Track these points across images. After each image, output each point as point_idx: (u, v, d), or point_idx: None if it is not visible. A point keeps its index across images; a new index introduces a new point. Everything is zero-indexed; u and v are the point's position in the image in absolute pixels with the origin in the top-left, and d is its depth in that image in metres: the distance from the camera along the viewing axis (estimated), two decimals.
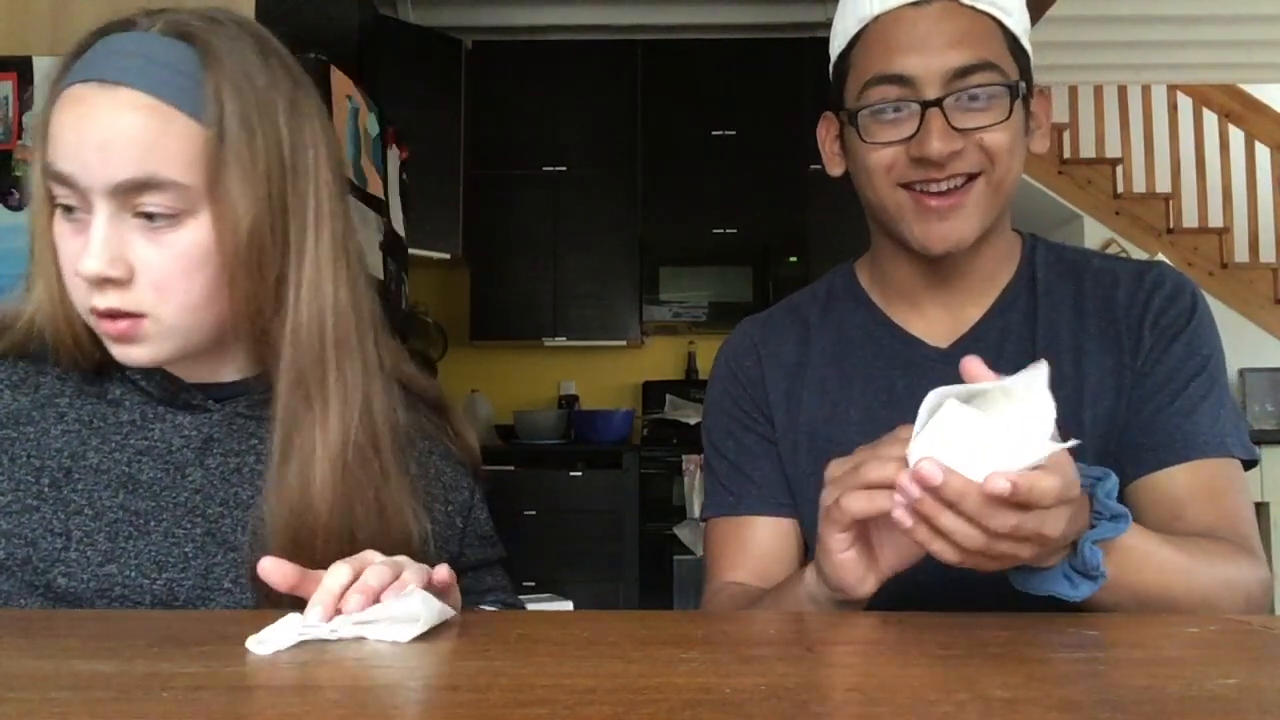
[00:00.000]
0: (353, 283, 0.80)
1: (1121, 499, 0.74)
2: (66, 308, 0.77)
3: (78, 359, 0.79)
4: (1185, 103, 5.02)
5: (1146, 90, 5.01)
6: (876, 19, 0.88)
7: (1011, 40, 0.88)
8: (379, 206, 2.61)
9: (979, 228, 0.89)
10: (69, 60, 0.74)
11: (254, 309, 0.76)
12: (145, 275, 0.73)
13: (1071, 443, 0.62)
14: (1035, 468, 0.61)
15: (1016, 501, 0.60)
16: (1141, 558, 0.73)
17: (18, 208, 2.06)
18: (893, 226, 0.91)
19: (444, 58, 4.13)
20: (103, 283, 0.72)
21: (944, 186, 0.87)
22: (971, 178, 0.87)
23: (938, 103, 0.84)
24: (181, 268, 0.73)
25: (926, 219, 0.88)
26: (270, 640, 0.57)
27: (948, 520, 0.62)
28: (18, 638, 0.61)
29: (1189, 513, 0.84)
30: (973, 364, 0.66)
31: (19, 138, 2.06)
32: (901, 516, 0.64)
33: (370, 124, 2.56)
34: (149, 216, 0.72)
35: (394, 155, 2.78)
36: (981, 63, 0.85)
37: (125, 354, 0.76)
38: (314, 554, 0.74)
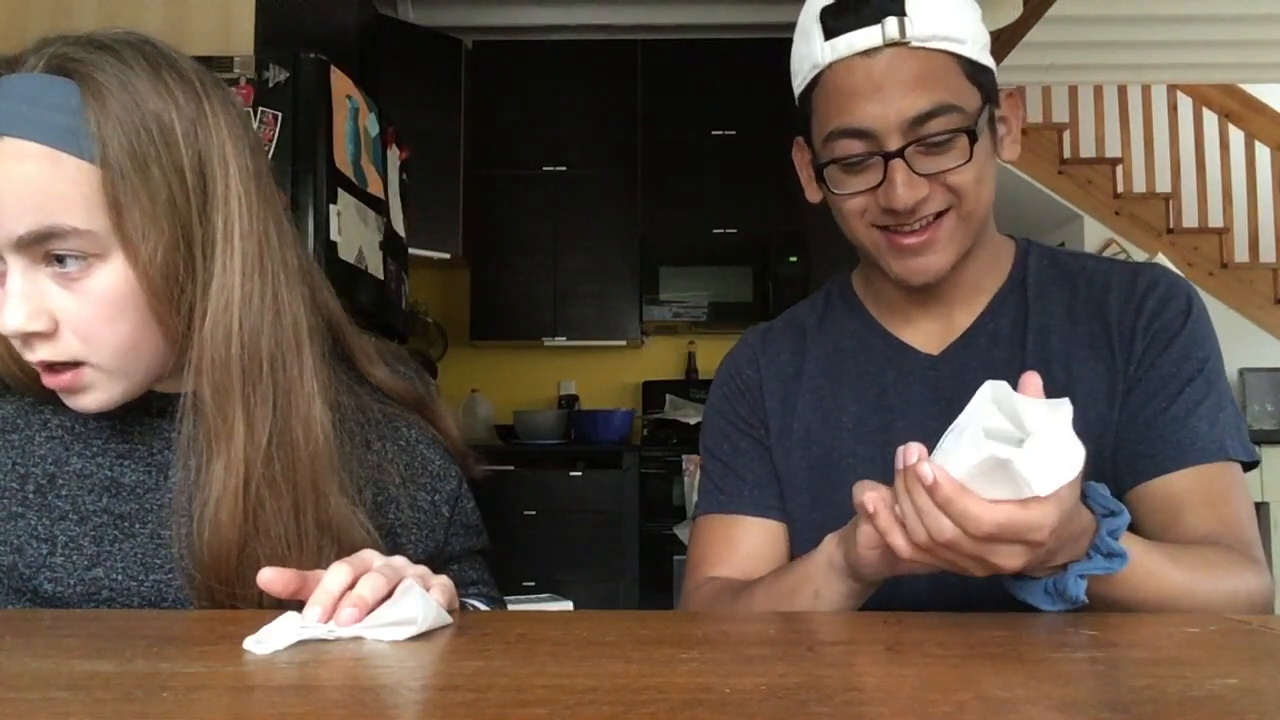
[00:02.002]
0: (274, 299, 0.76)
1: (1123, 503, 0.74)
2: (14, 352, 0.76)
3: (39, 391, 0.78)
4: (1185, 103, 5.02)
5: (1146, 90, 5.01)
6: (830, 66, 0.88)
7: (969, 66, 0.87)
8: (379, 206, 2.61)
9: (954, 257, 0.90)
10: None
11: (182, 338, 0.74)
12: (67, 324, 0.71)
13: (1047, 493, 0.61)
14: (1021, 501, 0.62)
15: (942, 507, 0.62)
16: (1141, 576, 0.73)
17: None
18: (873, 260, 0.94)
19: (444, 58, 4.13)
20: (28, 337, 0.71)
21: (914, 225, 0.88)
22: (941, 214, 0.88)
23: (899, 153, 0.85)
24: (103, 314, 0.71)
25: (902, 256, 0.90)
26: (268, 640, 0.57)
27: (905, 504, 0.66)
28: (18, 638, 0.61)
29: (1188, 519, 0.84)
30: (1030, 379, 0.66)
31: None
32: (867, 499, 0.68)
33: (370, 124, 2.56)
34: (60, 260, 0.70)
35: (394, 155, 2.78)
36: (938, 106, 0.84)
37: (78, 404, 0.75)
38: (231, 577, 0.73)
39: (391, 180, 2.76)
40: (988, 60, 0.90)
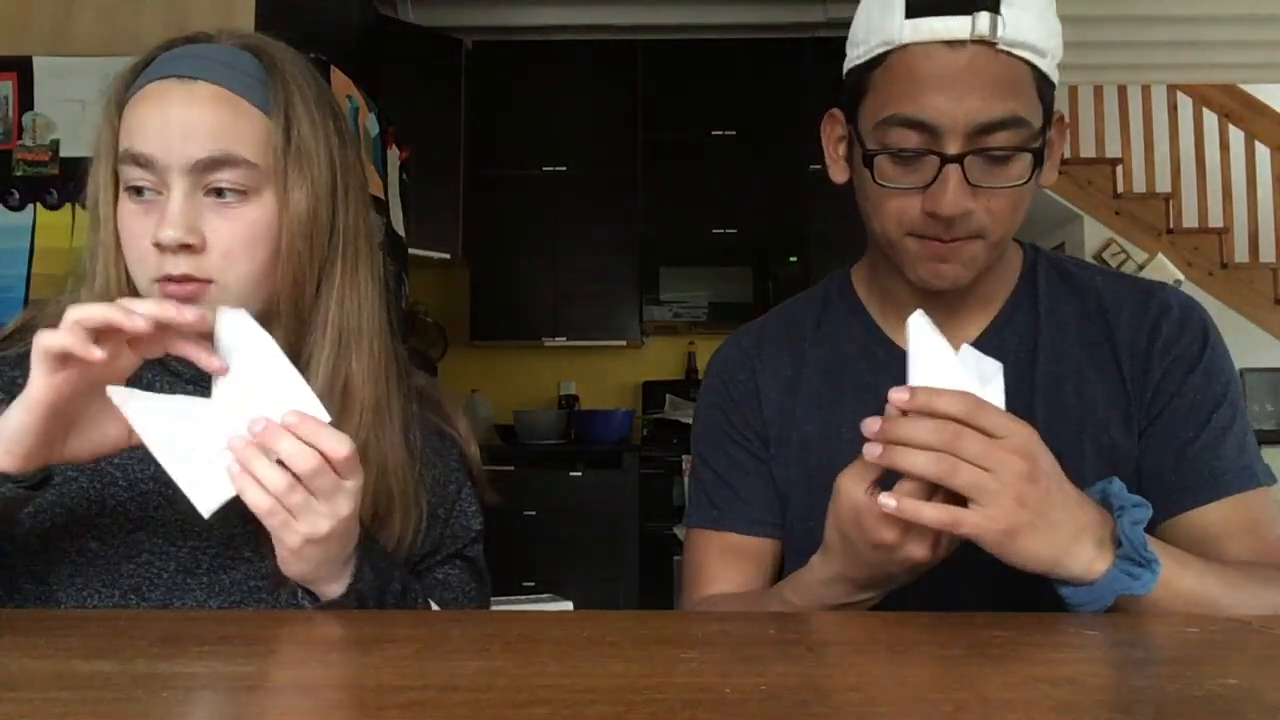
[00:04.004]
0: (379, 282, 0.89)
1: (1155, 536, 0.73)
2: (123, 292, 0.82)
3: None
4: (1185, 103, 5.02)
5: (1146, 90, 5.01)
6: (905, 47, 0.81)
7: (1042, 81, 0.83)
8: (379, 206, 2.61)
9: (975, 273, 0.87)
10: (136, 69, 0.83)
11: (298, 289, 0.83)
12: (216, 245, 0.80)
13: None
14: None
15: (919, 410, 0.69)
16: (1177, 595, 0.72)
17: (18, 207, 2.06)
18: (894, 260, 0.89)
19: (444, 58, 4.13)
20: (178, 249, 0.78)
21: (947, 238, 0.84)
22: (971, 237, 0.84)
23: (959, 158, 0.80)
24: (248, 239, 0.81)
25: (928, 260, 0.86)
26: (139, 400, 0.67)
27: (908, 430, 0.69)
28: (18, 637, 0.61)
29: (1229, 549, 0.82)
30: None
31: (19, 138, 2.06)
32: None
33: (370, 124, 2.56)
34: (219, 193, 0.80)
35: (394, 155, 2.78)
36: (1009, 118, 0.80)
37: None
38: None
39: (391, 180, 2.76)
40: (1055, 77, 0.85)
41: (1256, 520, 0.84)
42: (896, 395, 0.70)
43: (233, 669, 0.53)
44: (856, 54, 0.87)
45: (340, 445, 0.69)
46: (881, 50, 0.83)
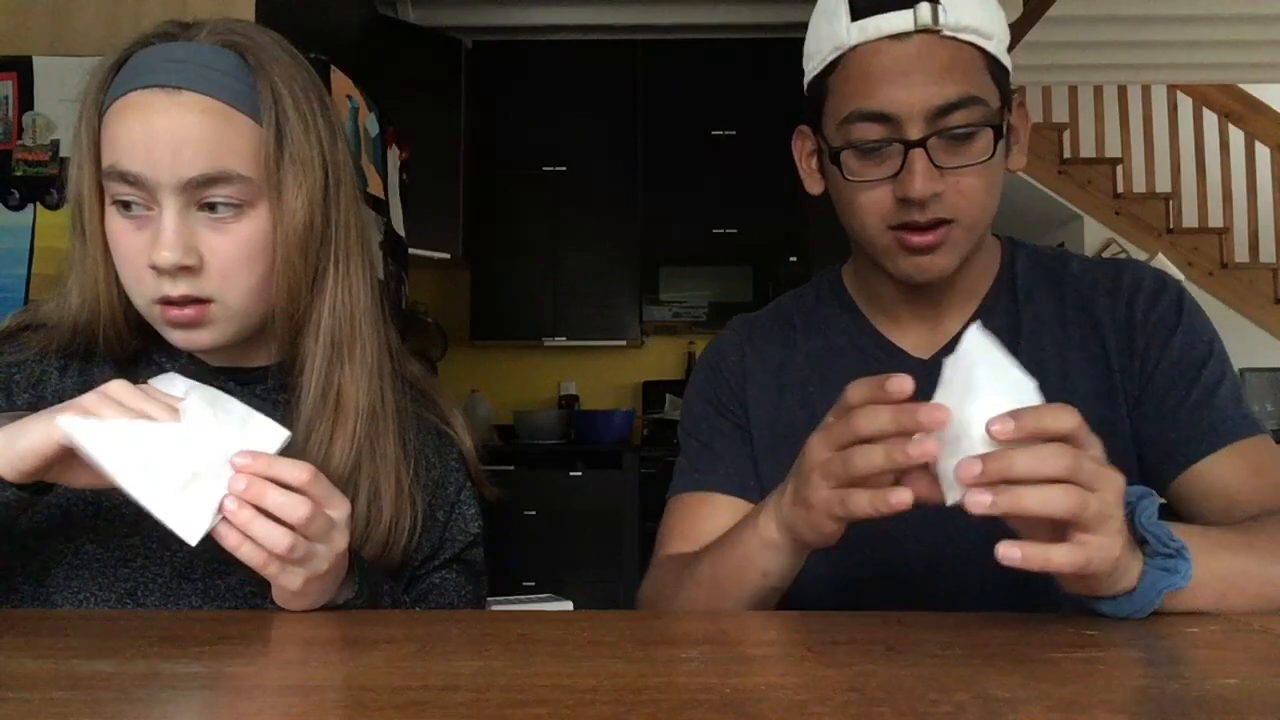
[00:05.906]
0: (371, 273, 0.87)
1: (1167, 499, 0.72)
2: (112, 300, 0.81)
3: (118, 349, 0.84)
4: (1185, 103, 5.03)
5: (1146, 90, 5.01)
6: (855, 49, 0.85)
7: (993, 63, 0.86)
8: (379, 206, 2.61)
9: (957, 261, 0.88)
10: (111, 70, 0.78)
11: (295, 295, 0.81)
12: (213, 263, 0.78)
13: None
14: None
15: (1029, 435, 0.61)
16: (1214, 574, 0.70)
17: (18, 207, 2.06)
18: (876, 258, 0.91)
19: (444, 58, 4.13)
20: (176, 271, 0.76)
21: (924, 224, 0.85)
22: (947, 222, 0.85)
23: (921, 143, 0.82)
24: (245, 255, 0.79)
25: (910, 254, 0.87)
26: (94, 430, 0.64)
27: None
28: (18, 637, 0.61)
29: (1242, 498, 0.83)
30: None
31: (19, 138, 2.06)
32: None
33: (370, 124, 2.56)
34: (212, 208, 0.77)
35: (394, 155, 2.78)
36: (964, 98, 0.83)
37: (189, 339, 0.80)
38: None
39: (391, 180, 2.75)
40: (1007, 61, 0.88)
41: (1263, 466, 0.85)
42: (1000, 427, 0.60)
43: (232, 669, 0.53)
44: (812, 67, 0.91)
45: (299, 471, 0.67)
46: (834, 56, 0.87)
